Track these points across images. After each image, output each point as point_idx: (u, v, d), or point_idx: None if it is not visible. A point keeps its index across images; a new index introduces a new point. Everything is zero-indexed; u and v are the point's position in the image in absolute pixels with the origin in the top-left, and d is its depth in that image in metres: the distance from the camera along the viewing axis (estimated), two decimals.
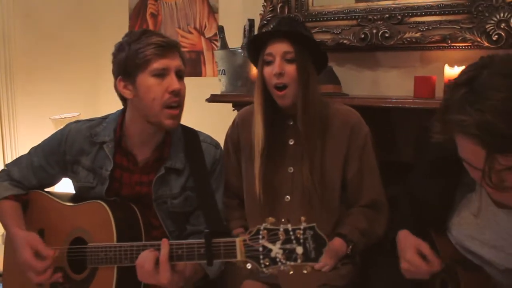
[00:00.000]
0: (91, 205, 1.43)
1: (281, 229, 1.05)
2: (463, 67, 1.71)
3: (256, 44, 1.59)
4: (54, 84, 2.86)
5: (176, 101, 1.37)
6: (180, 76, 1.40)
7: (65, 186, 1.83)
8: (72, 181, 1.56)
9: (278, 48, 1.51)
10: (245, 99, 2.12)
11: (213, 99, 2.16)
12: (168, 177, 1.46)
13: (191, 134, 1.55)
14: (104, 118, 1.54)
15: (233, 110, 2.23)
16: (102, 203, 1.38)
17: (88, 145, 1.49)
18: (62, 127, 2.56)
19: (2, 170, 1.60)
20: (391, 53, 2.00)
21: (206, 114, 2.36)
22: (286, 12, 2.15)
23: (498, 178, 1.00)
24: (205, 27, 2.69)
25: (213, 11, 2.66)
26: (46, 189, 1.63)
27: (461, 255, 1.28)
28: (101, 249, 1.33)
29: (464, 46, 1.81)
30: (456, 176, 1.21)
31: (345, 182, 1.62)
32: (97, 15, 3.06)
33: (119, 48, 1.40)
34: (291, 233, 1.04)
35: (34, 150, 1.58)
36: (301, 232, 1.03)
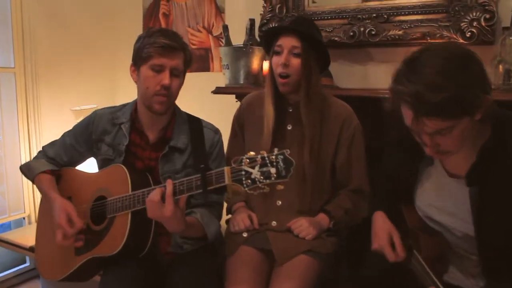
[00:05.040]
0: (111, 168, 1.69)
1: (259, 157, 1.30)
2: None
3: (269, 36, 1.80)
4: (75, 78, 3.07)
5: (165, 93, 1.61)
6: (175, 74, 1.63)
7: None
8: (96, 158, 1.83)
9: (287, 42, 1.72)
10: (246, 90, 2.33)
11: (218, 91, 2.37)
12: (172, 155, 1.70)
13: (194, 121, 1.79)
14: (124, 105, 1.83)
15: (236, 101, 2.44)
16: (120, 164, 1.66)
17: (110, 126, 1.76)
18: (81, 117, 2.83)
19: (40, 151, 1.89)
20: (379, 49, 2.19)
21: (213, 104, 2.57)
22: (284, 12, 2.35)
23: (432, 141, 1.21)
24: (213, 26, 2.90)
25: (220, 11, 2.86)
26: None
27: (423, 223, 1.47)
28: (118, 199, 1.58)
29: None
30: (417, 151, 1.39)
31: (334, 168, 1.82)
32: (114, 14, 3.27)
33: (137, 39, 1.67)
34: (266, 159, 1.29)
35: (66, 132, 1.87)
36: (274, 157, 1.29)
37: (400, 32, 2.06)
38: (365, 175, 1.81)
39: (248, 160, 1.29)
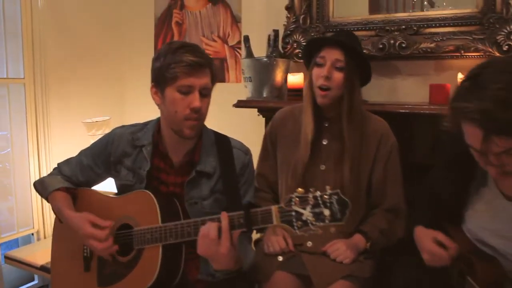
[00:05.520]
0: (136, 194, 1.56)
1: (310, 196, 1.21)
2: None
3: (311, 47, 1.74)
4: (85, 89, 2.99)
5: (196, 116, 1.49)
6: (204, 94, 1.49)
7: (107, 186, 1.98)
8: (115, 180, 1.70)
9: (331, 55, 1.66)
10: (269, 105, 2.26)
11: (239, 104, 2.29)
12: (199, 180, 1.58)
13: (223, 140, 1.66)
14: (146, 124, 1.69)
15: (258, 115, 2.37)
16: (147, 191, 1.52)
17: (130, 148, 1.63)
18: (94, 130, 2.75)
19: (55, 168, 1.76)
20: (407, 62, 2.13)
21: (231, 118, 2.46)
22: (308, 23, 2.29)
23: (498, 161, 1.15)
24: (229, 35, 2.83)
25: (236, 20, 2.79)
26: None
27: (475, 246, 1.40)
28: (147, 231, 1.47)
29: (476, 55, 1.93)
30: (469, 171, 1.33)
31: (370, 186, 1.75)
32: (125, 23, 3.19)
33: (157, 57, 1.50)
34: (318, 198, 1.20)
35: (83, 151, 1.73)
36: (327, 197, 1.20)
37: (432, 45, 2.00)
38: (402, 194, 1.75)
39: (298, 199, 1.21)
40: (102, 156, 1.68)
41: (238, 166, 1.62)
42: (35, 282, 2.85)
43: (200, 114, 1.49)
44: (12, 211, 2.73)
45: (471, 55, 1.95)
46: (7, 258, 2.58)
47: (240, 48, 2.76)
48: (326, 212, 1.19)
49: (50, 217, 2.84)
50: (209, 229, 1.31)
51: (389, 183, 1.74)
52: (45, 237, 2.85)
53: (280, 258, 1.67)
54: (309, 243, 1.71)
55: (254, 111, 2.37)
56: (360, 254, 1.68)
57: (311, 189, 1.22)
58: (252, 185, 1.68)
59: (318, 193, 1.21)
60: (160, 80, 1.48)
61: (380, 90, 2.21)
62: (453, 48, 1.96)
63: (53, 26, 2.80)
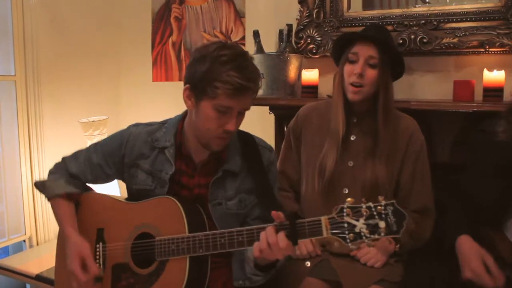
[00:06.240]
0: (157, 200, 1.43)
1: (364, 206, 1.11)
2: (502, 72, 1.79)
3: (342, 42, 1.65)
4: (80, 88, 2.84)
5: (228, 136, 1.38)
6: (241, 113, 1.38)
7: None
8: (128, 184, 1.56)
9: (364, 51, 1.57)
10: (281, 102, 2.17)
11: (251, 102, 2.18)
12: (224, 179, 1.47)
13: (247, 138, 1.56)
14: (163, 123, 1.55)
15: (270, 113, 2.27)
16: (172, 198, 1.39)
17: (148, 149, 1.50)
18: (91, 130, 2.60)
19: (59, 163, 1.60)
20: (426, 58, 2.05)
21: None
22: (322, 18, 2.20)
23: None
24: (232, 31, 2.72)
25: (239, 15, 2.69)
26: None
27: None
28: (171, 241, 1.34)
29: (502, 51, 1.87)
30: None
31: (397, 185, 1.67)
32: (120, 19, 3.05)
33: (200, 58, 1.33)
34: (373, 209, 1.11)
35: (93, 147, 1.59)
36: (382, 208, 1.10)
37: (455, 40, 1.94)
38: (430, 194, 1.68)
39: (350, 210, 1.11)
40: (115, 157, 1.54)
41: (264, 163, 1.52)
42: None
43: (232, 133, 1.38)
44: (2, 217, 2.56)
45: (497, 51, 1.88)
46: None
47: (244, 44, 2.65)
48: (382, 224, 1.09)
49: (43, 222, 2.69)
50: (278, 238, 1.18)
51: (417, 183, 1.67)
52: (37, 244, 2.69)
53: (308, 264, 1.59)
54: (337, 243, 1.62)
55: (263, 109, 2.27)
56: (390, 257, 1.62)
57: (363, 199, 1.12)
58: (276, 184, 1.59)
59: (371, 204, 1.11)
60: (198, 89, 1.33)
61: (397, 87, 2.12)
62: (477, 43, 1.90)
63: (46, 22, 2.66)
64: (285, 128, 2.24)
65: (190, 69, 1.36)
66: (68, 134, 2.73)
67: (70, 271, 1.37)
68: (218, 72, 1.27)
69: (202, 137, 1.39)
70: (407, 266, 1.66)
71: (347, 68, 1.60)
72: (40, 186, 1.58)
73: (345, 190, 1.64)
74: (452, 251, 1.41)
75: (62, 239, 1.54)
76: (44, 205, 2.67)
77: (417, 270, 1.68)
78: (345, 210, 1.12)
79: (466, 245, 1.36)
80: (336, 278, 1.53)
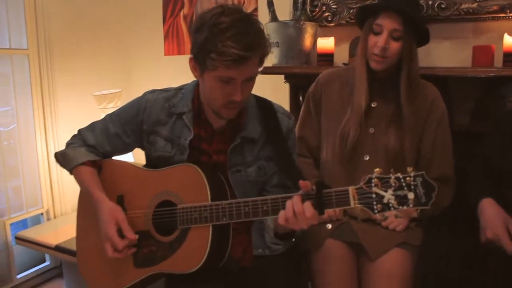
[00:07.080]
0: (179, 168, 1.42)
1: (393, 177, 1.11)
2: None
3: (366, 12, 1.62)
4: (92, 62, 2.84)
5: (236, 105, 1.34)
6: (248, 80, 1.31)
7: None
8: (147, 151, 1.55)
9: (388, 23, 1.54)
10: (297, 70, 2.15)
11: (266, 71, 2.13)
12: (242, 146, 1.46)
13: (266, 105, 1.53)
14: (180, 89, 1.52)
15: (285, 82, 2.26)
16: (194, 165, 1.38)
17: (165, 116, 1.48)
18: (105, 103, 2.60)
19: (75, 135, 1.59)
20: (444, 24, 2.02)
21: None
22: None
23: None
24: (244, 2, 2.69)
25: None
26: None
27: None
28: (194, 209, 1.34)
29: None
30: None
31: (418, 153, 1.67)
32: None
33: (199, 27, 1.28)
34: (402, 180, 1.10)
35: (109, 117, 1.57)
36: (411, 179, 1.09)
37: (474, 5, 1.90)
38: (451, 162, 1.67)
39: (378, 180, 1.11)
40: (133, 124, 1.52)
41: (283, 131, 1.50)
42: (47, 263, 2.73)
43: (241, 102, 1.33)
44: (20, 191, 2.60)
45: None
46: (18, 239, 2.46)
47: (257, 16, 2.62)
48: (411, 195, 1.09)
49: (60, 196, 2.72)
50: (308, 209, 1.17)
51: (438, 150, 1.66)
52: (55, 217, 2.73)
53: (329, 226, 1.60)
54: (360, 211, 1.62)
55: (277, 78, 2.25)
56: (411, 221, 1.63)
57: (392, 170, 1.12)
58: (295, 151, 1.58)
59: (400, 175, 1.10)
60: (199, 60, 1.30)
61: None
62: (498, 8, 1.86)
63: None
64: (301, 98, 2.24)
65: (192, 39, 1.34)
66: (82, 107, 2.73)
67: (104, 236, 1.36)
68: (213, 43, 1.22)
69: (212, 107, 1.38)
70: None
71: (371, 39, 1.57)
72: (60, 157, 1.56)
73: (366, 157, 1.63)
74: (473, 215, 1.42)
75: (87, 206, 1.53)
76: (60, 178, 2.70)
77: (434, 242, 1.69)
78: (373, 180, 1.11)
79: (490, 208, 1.37)
80: (357, 240, 1.55)
